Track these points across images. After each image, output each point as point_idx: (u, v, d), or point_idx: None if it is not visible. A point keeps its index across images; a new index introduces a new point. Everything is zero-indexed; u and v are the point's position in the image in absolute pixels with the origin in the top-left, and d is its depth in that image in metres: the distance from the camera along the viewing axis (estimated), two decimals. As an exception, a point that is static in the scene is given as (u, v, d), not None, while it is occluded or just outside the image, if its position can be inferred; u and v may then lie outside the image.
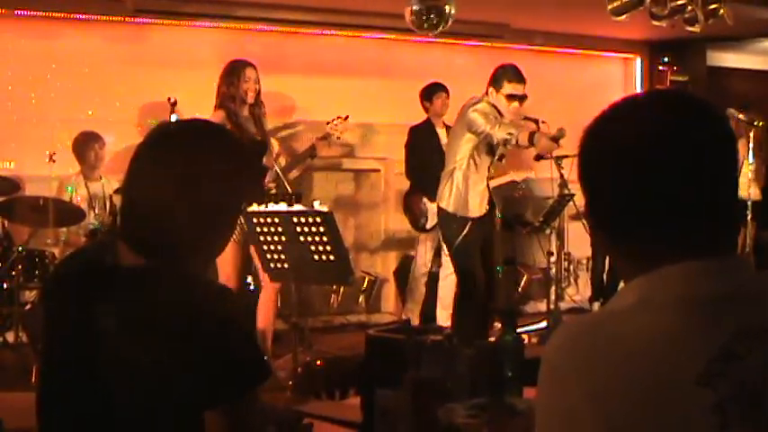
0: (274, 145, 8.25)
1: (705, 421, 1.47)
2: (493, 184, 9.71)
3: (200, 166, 2.30)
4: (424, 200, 9.14)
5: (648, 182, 1.63)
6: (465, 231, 7.40)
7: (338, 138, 8.89)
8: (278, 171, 8.02)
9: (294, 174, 8.54)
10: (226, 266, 7.38)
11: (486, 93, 7.53)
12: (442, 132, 9.38)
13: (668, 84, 11.60)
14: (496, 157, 7.58)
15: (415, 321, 9.03)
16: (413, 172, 9.38)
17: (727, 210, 1.69)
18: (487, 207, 7.64)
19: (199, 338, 2.15)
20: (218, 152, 2.37)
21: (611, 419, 1.49)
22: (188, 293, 2.23)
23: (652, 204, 1.63)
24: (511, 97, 7.44)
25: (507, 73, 7.56)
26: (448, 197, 7.51)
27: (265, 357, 2.15)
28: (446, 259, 9.09)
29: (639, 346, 1.51)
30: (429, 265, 9.22)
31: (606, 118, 1.78)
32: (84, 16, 9.11)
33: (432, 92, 9.38)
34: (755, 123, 9.16)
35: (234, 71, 7.69)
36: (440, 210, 7.63)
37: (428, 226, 9.12)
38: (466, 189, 7.45)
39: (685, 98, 1.75)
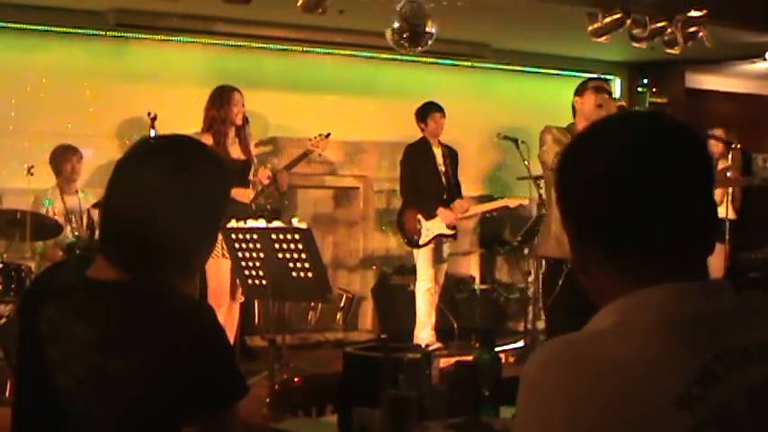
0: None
1: None
2: (486, 208, 9.77)
3: (181, 183, 2.29)
4: (419, 217, 9.13)
5: (627, 203, 1.63)
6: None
7: (320, 155, 8.91)
8: (260, 190, 8.04)
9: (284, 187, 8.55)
10: (216, 281, 7.40)
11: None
12: (437, 151, 9.39)
13: (647, 105, 11.65)
14: None
15: (432, 339, 9.06)
16: (407, 189, 9.36)
17: (706, 231, 1.70)
18: None
19: (177, 354, 2.15)
20: (199, 168, 2.36)
21: None
22: (166, 309, 2.22)
23: (631, 226, 1.63)
24: (597, 89, 6.50)
25: (588, 79, 6.80)
26: None
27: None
28: (421, 275, 9.13)
29: (618, 368, 1.50)
30: (432, 282, 9.18)
31: (585, 138, 1.79)
32: (64, 29, 9.09)
33: (426, 112, 9.34)
34: (733, 145, 9.21)
35: (223, 95, 7.82)
36: None
37: (421, 242, 9.11)
38: None
39: (663, 119, 1.76)
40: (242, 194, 7.71)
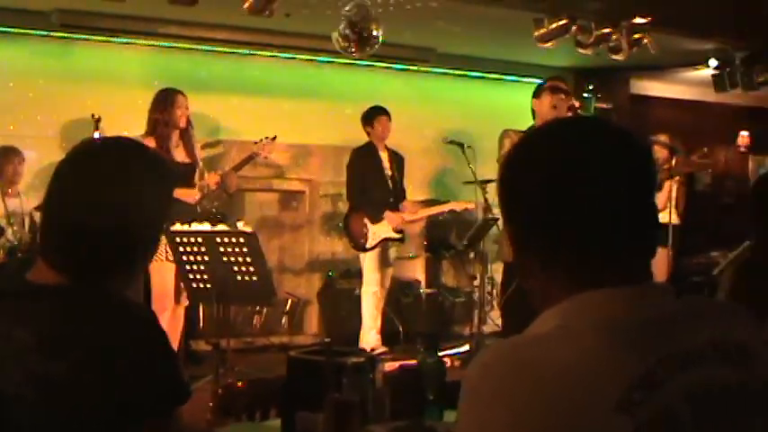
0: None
1: None
2: (433, 211, 9.78)
3: (122, 185, 2.28)
4: (365, 220, 9.12)
5: (576, 207, 1.63)
6: None
7: (265, 158, 8.89)
8: (206, 192, 8.00)
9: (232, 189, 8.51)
10: (160, 284, 7.35)
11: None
12: (384, 156, 9.39)
13: (593, 111, 11.73)
14: None
15: (377, 342, 9.06)
16: (354, 193, 9.34)
17: (648, 235, 1.70)
18: None
19: (117, 359, 2.12)
20: (141, 170, 2.34)
21: None
22: (107, 313, 2.20)
23: (577, 229, 1.64)
24: (553, 90, 6.66)
25: (547, 79, 6.89)
26: None
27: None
28: (367, 279, 9.11)
29: (559, 373, 1.49)
30: (377, 286, 9.17)
31: (536, 140, 1.80)
32: (7, 29, 8.98)
33: (373, 115, 9.33)
34: (677, 151, 9.30)
35: (167, 98, 7.79)
36: None
37: (368, 246, 9.09)
38: None
39: (611, 125, 1.76)
40: (187, 196, 7.68)
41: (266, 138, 8.64)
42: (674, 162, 9.38)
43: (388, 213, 9.13)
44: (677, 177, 9.49)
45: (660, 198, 9.32)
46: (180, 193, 7.53)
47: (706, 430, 1.53)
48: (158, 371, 2.19)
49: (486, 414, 1.52)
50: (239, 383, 5.23)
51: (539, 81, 6.87)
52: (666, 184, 9.39)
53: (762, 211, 4.02)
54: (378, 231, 9.11)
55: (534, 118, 6.54)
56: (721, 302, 1.74)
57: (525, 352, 1.56)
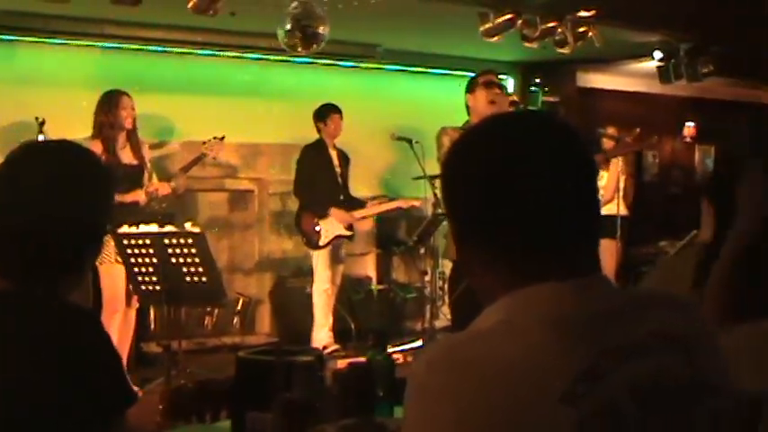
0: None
1: None
2: (381, 209, 9.76)
3: (62, 188, 2.26)
4: (316, 218, 9.10)
5: (518, 202, 1.63)
6: None
7: (214, 158, 8.85)
8: (154, 193, 7.96)
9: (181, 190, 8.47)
10: (110, 287, 7.29)
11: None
12: (333, 153, 9.39)
13: (540, 104, 11.78)
14: None
15: (330, 340, 9.05)
16: (301, 189, 9.31)
17: (592, 228, 1.71)
18: None
19: (59, 363, 2.10)
20: (81, 173, 2.32)
21: None
22: (48, 317, 2.18)
23: (520, 224, 1.64)
24: (487, 85, 6.48)
25: (478, 74, 6.70)
26: None
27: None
28: (319, 276, 9.11)
29: (502, 368, 1.50)
30: (329, 283, 9.16)
31: (476, 136, 1.80)
32: (-52, 32, 8.87)
33: (326, 113, 9.33)
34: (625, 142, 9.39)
35: (111, 100, 7.74)
36: None
37: (321, 243, 9.08)
38: None
39: (553, 119, 1.77)
40: (134, 197, 7.63)
41: (214, 138, 8.61)
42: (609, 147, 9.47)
43: (334, 210, 9.12)
44: (623, 167, 9.57)
45: (608, 189, 9.39)
46: (127, 196, 7.49)
47: (649, 422, 1.53)
48: (101, 376, 2.17)
49: (432, 410, 1.52)
50: (188, 385, 5.22)
51: (483, 70, 6.79)
52: (614, 175, 9.46)
53: (722, 198, 4.05)
54: (330, 229, 9.10)
55: (469, 113, 6.47)
56: (666, 294, 1.74)
57: (468, 348, 1.56)
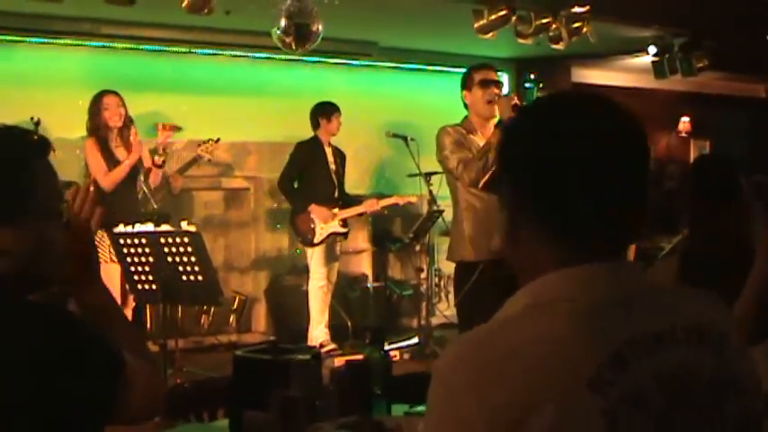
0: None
1: (596, 427, 1.47)
2: (384, 204, 9.72)
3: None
4: (312, 216, 9.09)
5: (580, 181, 1.62)
6: None
7: (209, 159, 8.86)
8: (148, 191, 7.98)
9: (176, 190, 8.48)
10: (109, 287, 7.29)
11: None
12: (329, 151, 9.36)
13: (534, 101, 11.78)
14: None
15: (326, 337, 9.06)
16: (286, 185, 9.27)
17: (636, 220, 1.69)
18: None
19: (48, 371, 2.07)
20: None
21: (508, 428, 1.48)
22: (27, 324, 2.14)
23: (573, 202, 1.62)
24: (483, 84, 6.33)
25: (472, 68, 6.53)
26: None
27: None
28: (314, 273, 9.10)
29: (530, 354, 1.50)
30: (324, 280, 9.15)
31: (530, 114, 1.80)
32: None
33: (331, 111, 9.29)
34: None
35: (94, 102, 7.85)
36: None
37: (316, 241, 9.07)
38: None
39: (613, 103, 1.73)
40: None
41: (210, 140, 8.62)
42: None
43: (313, 207, 9.08)
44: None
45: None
46: (122, 197, 7.56)
47: (676, 414, 1.54)
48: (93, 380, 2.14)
49: (458, 406, 1.52)
50: (185, 384, 5.22)
51: (476, 64, 6.71)
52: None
53: (701, 199, 4.06)
54: (325, 226, 9.09)
55: (467, 109, 6.40)
56: (700, 290, 1.74)
57: (497, 337, 1.56)
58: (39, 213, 2.23)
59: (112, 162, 7.74)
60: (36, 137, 2.38)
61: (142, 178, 8.01)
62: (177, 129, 8.47)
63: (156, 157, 8.00)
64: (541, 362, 1.49)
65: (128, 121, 7.86)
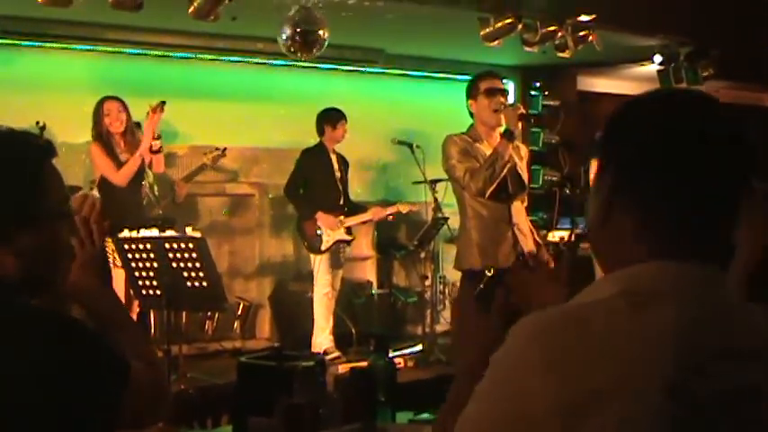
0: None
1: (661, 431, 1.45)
2: (368, 217, 9.70)
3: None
4: (318, 223, 9.08)
5: (685, 175, 1.60)
6: None
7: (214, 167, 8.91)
8: (153, 196, 7.98)
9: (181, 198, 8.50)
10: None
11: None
12: (333, 158, 9.35)
13: (540, 108, 11.79)
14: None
15: (330, 344, 9.04)
16: (292, 192, 9.29)
17: (730, 222, 1.65)
18: None
19: (51, 376, 2.06)
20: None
21: (572, 414, 1.45)
22: (31, 328, 2.13)
23: (676, 196, 1.60)
24: (489, 93, 6.34)
25: (477, 77, 6.56)
26: None
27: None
28: (319, 280, 9.09)
29: (618, 343, 1.48)
30: (329, 287, 9.13)
31: (636, 106, 1.85)
32: (-51, 37, 8.85)
33: (336, 118, 9.28)
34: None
35: (96, 109, 7.85)
36: None
37: (323, 248, 9.06)
38: None
39: (720, 104, 1.73)
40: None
41: (216, 149, 8.63)
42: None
43: (320, 214, 9.08)
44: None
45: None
46: (125, 199, 7.57)
47: (746, 428, 1.51)
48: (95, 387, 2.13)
49: (525, 377, 1.49)
50: (190, 390, 5.24)
51: (482, 72, 6.70)
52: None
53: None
54: (332, 234, 9.09)
55: (473, 118, 6.40)
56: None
57: (579, 319, 1.53)
58: (53, 214, 2.23)
59: (118, 165, 7.75)
60: (42, 140, 2.38)
61: (146, 169, 8.01)
62: (162, 104, 8.24)
63: (154, 143, 7.97)
64: (628, 353, 1.47)
65: (132, 127, 7.86)
